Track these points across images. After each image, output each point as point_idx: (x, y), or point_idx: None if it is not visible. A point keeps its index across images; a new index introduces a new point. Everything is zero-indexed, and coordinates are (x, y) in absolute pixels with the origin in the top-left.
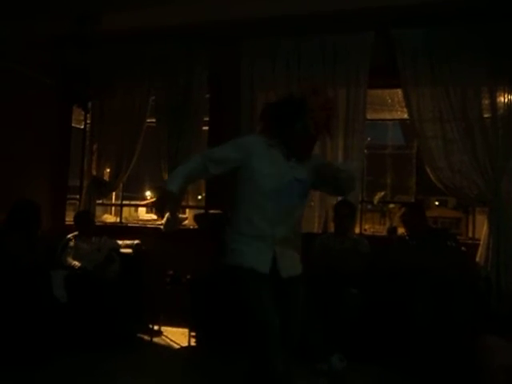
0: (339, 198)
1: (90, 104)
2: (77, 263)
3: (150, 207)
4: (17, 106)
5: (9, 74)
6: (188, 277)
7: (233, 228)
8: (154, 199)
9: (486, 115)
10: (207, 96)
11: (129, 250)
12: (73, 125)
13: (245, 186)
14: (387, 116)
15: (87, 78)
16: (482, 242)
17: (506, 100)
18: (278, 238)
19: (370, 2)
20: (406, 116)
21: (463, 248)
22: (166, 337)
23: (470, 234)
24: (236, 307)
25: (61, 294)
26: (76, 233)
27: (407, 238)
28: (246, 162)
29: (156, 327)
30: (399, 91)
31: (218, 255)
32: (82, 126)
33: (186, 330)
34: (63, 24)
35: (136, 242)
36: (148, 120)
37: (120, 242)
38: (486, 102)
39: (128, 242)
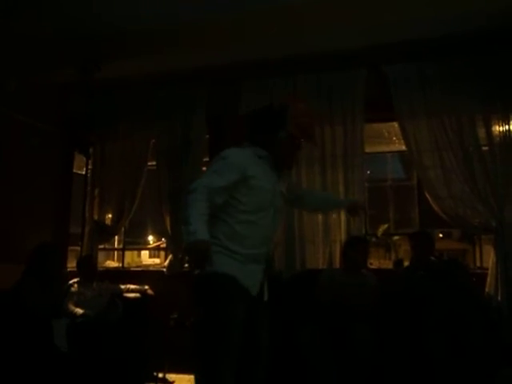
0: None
1: (91, 149)
2: (79, 310)
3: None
4: (18, 153)
5: (10, 121)
6: (192, 320)
7: (221, 245)
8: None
9: (482, 143)
10: (206, 137)
11: (132, 295)
12: (74, 171)
13: (239, 200)
14: (385, 148)
15: (89, 125)
16: (489, 271)
17: (501, 128)
18: (268, 256)
19: (361, 41)
20: (403, 148)
21: (473, 279)
22: None
23: (478, 264)
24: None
25: (62, 344)
26: (77, 279)
27: (413, 268)
28: (243, 179)
29: (160, 375)
30: (395, 124)
31: None
32: (84, 172)
33: (191, 377)
34: (66, 72)
35: (146, 287)
36: (149, 163)
37: (123, 287)
38: (481, 130)
39: (132, 286)
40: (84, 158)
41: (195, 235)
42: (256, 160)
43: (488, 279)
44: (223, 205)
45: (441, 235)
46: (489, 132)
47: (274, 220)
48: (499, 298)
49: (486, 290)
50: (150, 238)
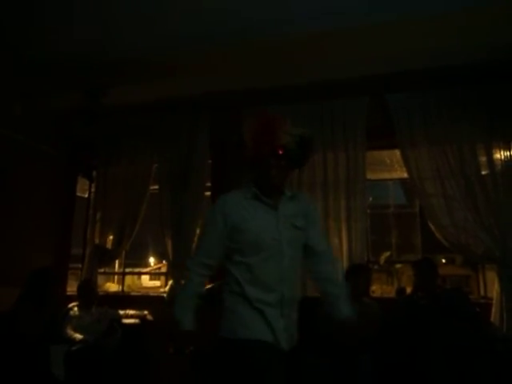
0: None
1: (94, 173)
2: (78, 335)
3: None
4: (23, 175)
5: (15, 144)
6: (191, 348)
7: (232, 292)
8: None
9: (484, 172)
10: (209, 162)
11: (131, 321)
12: (77, 194)
13: (233, 247)
14: (387, 176)
15: (93, 149)
16: (494, 301)
17: (503, 156)
18: (287, 298)
19: (363, 69)
20: (405, 175)
21: (477, 309)
22: None
23: (482, 293)
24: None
25: (59, 372)
26: (77, 303)
27: (416, 297)
28: (232, 226)
29: None
30: (397, 151)
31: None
32: (86, 195)
33: None
34: (70, 98)
35: (145, 312)
36: (151, 187)
37: (122, 312)
38: (483, 159)
39: (132, 311)
40: (87, 182)
41: (178, 325)
42: (243, 202)
43: (493, 309)
44: (225, 254)
45: (444, 261)
46: (490, 160)
47: (283, 256)
48: (504, 329)
49: (492, 319)
50: (151, 259)
